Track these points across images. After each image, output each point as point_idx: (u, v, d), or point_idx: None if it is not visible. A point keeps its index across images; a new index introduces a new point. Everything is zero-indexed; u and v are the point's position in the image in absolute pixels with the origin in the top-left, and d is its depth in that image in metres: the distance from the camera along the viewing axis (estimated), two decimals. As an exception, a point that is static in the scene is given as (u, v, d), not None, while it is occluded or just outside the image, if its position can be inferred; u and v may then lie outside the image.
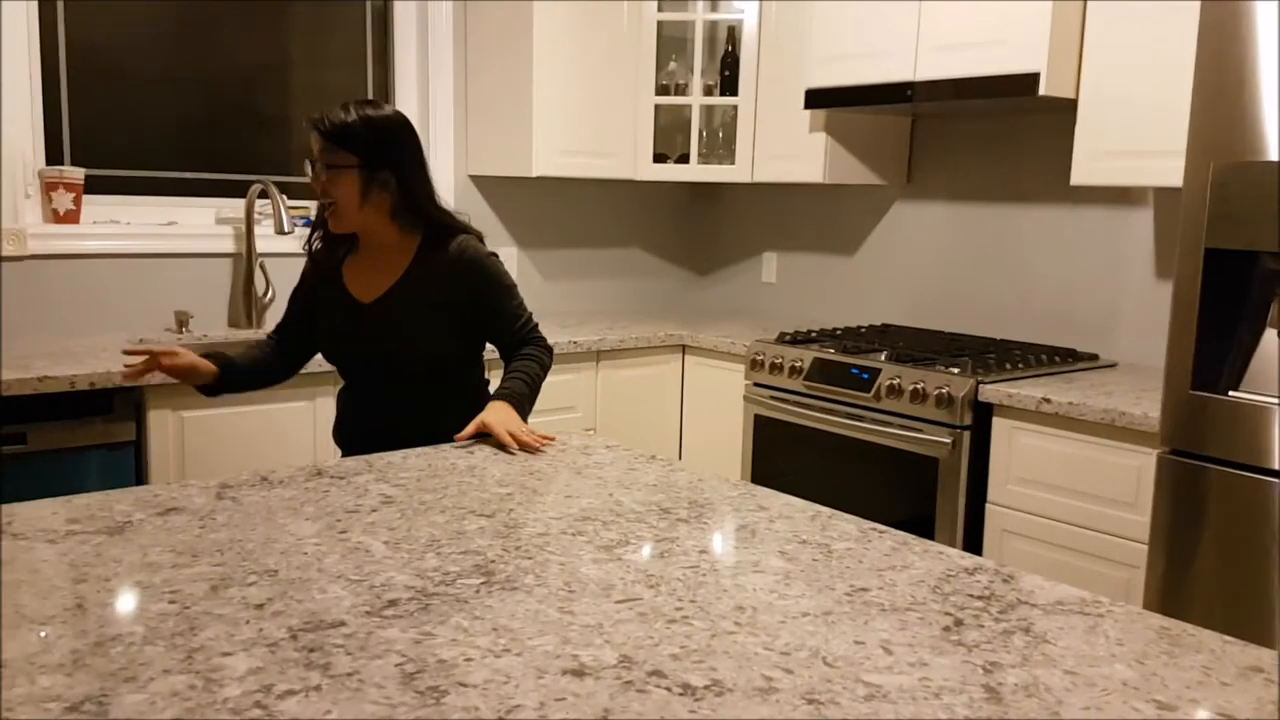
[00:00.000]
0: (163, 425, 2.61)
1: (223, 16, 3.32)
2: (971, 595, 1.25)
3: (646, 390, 3.60)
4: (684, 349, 3.65)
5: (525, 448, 1.91)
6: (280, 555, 1.34)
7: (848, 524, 1.52)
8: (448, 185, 3.77)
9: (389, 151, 2.00)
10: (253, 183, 3.27)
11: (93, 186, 3.03)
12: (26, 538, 1.36)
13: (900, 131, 3.63)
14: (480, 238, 2.15)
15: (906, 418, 2.82)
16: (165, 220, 3.19)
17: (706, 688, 1.00)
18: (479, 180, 3.84)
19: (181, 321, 3.09)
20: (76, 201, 2.94)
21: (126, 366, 2.04)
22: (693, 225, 4.44)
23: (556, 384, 3.37)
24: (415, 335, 2.05)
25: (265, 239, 3.30)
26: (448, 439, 1.96)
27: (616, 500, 1.61)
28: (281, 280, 3.33)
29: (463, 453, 1.88)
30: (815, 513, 1.57)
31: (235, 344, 2.10)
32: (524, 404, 2.06)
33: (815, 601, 1.22)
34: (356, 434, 2.15)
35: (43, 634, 1.07)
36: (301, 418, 2.83)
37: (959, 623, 1.17)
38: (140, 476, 2.60)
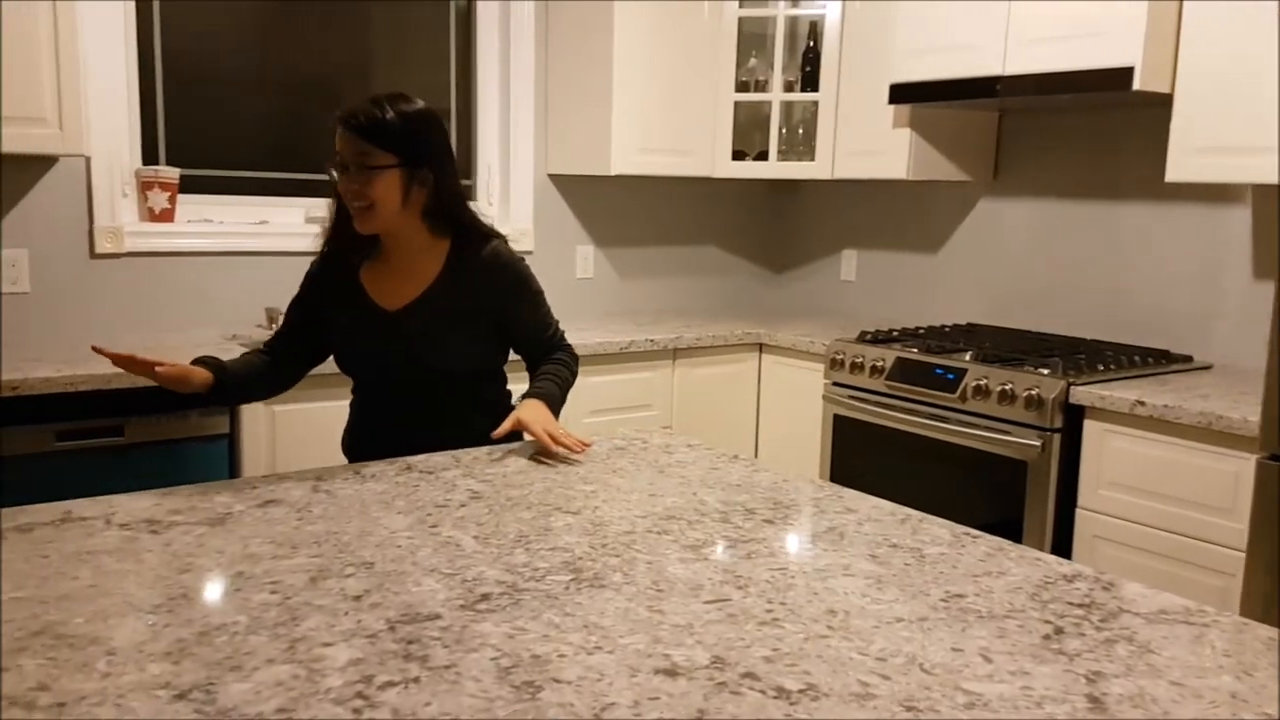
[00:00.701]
0: (255, 418, 2.67)
1: (310, 18, 3.39)
2: (1071, 603, 1.22)
3: (723, 389, 3.59)
4: (761, 347, 3.62)
5: (566, 449, 1.85)
6: (375, 548, 1.36)
7: (939, 528, 1.49)
8: (527, 184, 3.80)
9: (427, 149, 1.88)
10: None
11: (186, 186, 3.12)
12: (130, 528, 1.41)
13: (987, 126, 3.56)
14: (506, 241, 2.04)
15: (994, 419, 2.76)
16: (256, 219, 3.27)
17: (801, 691, 0.99)
18: (558, 179, 3.86)
19: (272, 318, 3.17)
20: (171, 200, 3.02)
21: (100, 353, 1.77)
22: (770, 223, 4.41)
23: (633, 382, 3.38)
24: (446, 344, 1.95)
25: (351, 237, 3.35)
26: (470, 447, 1.91)
27: (700, 500, 1.61)
28: (366, 277, 3.38)
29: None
30: (905, 516, 1.54)
31: (236, 358, 1.99)
32: (556, 406, 1.98)
33: (909, 607, 1.20)
34: (373, 444, 1.98)
35: (150, 622, 1.10)
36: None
37: (1059, 631, 1.14)
38: (233, 469, 2.67)
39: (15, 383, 2.32)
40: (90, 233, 2.93)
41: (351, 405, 2.09)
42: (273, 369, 2.05)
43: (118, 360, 1.74)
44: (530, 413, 1.89)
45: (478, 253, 1.97)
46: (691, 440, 2.01)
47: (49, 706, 0.92)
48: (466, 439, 1.94)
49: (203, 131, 3.19)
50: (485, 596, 1.20)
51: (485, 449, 1.90)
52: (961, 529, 1.49)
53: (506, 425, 1.87)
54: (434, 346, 1.93)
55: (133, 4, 3.00)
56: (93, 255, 2.93)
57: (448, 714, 0.93)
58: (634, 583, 1.26)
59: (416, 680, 1.00)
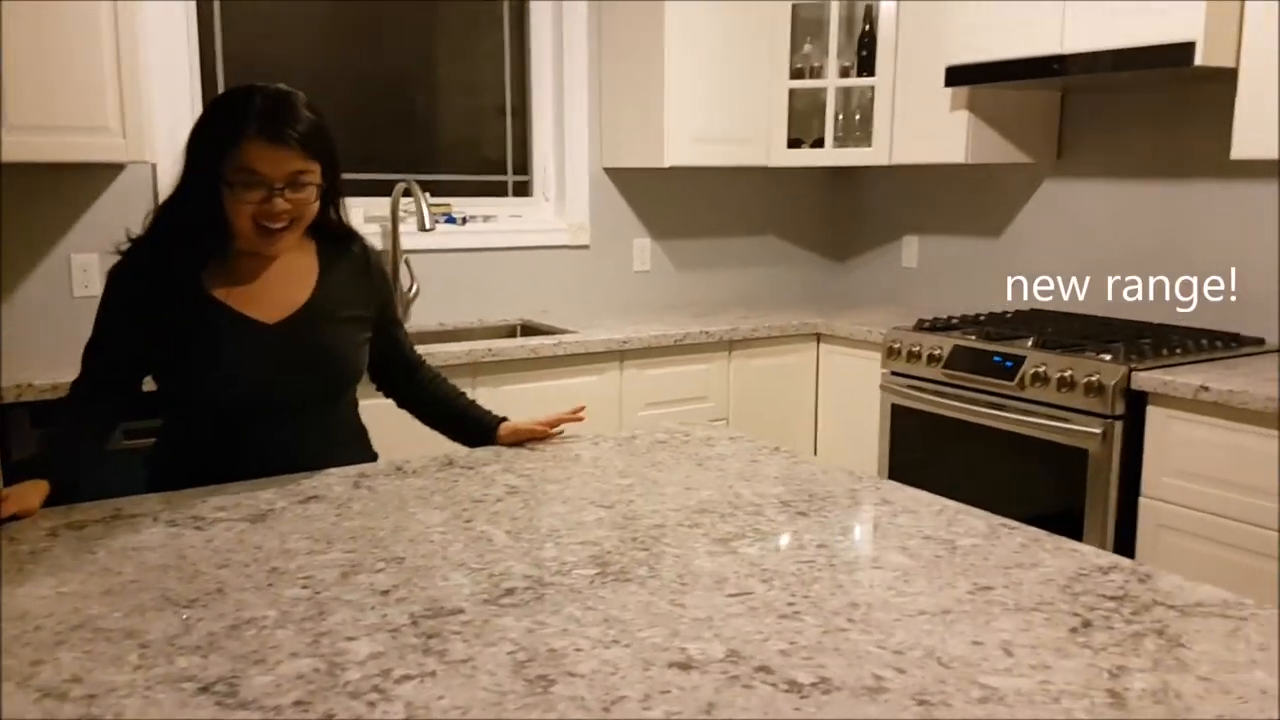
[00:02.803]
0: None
1: (367, 19, 3.45)
2: (1104, 595, 1.19)
3: (780, 380, 3.56)
4: (819, 337, 3.59)
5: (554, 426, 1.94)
6: (408, 543, 1.39)
7: (976, 520, 1.47)
8: (583, 179, 3.82)
9: (335, 149, 1.71)
10: (396, 182, 3.38)
11: (249, 190, 3.20)
12: (177, 525, 1.45)
13: (1049, 106, 3.47)
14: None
15: (1053, 407, 2.70)
16: (316, 220, 3.34)
17: (813, 685, 0.98)
18: (613, 172, 3.87)
19: (331, 316, 3.24)
20: (235, 204, 3.10)
21: None
22: (828, 211, 4.36)
23: (688, 374, 3.38)
24: (344, 354, 1.78)
25: (409, 236, 3.41)
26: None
27: (736, 493, 1.60)
28: (425, 276, 3.44)
29: (587, 444, 1.90)
30: (941, 507, 1.52)
31: (57, 432, 1.71)
32: None
33: (934, 599, 1.18)
34: (225, 477, 1.67)
35: (184, 616, 1.14)
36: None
37: (1087, 624, 1.11)
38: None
39: (84, 384, 2.40)
40: (157, 238, 3.03)
41: (172, 436, 1.78)
42: (106, 412, 1.72)
43: None
44: (519, 422, 1.93)
45: (348, 251, 1.81)
46: (734, 433, 2.00)
47: (80, 698, 0.96)
48: (339, 454, 1.79)
49: (263, 136, 3.27)
50: (510, 591, 1.22)
51: (525, 447, 1.90)
52: (999, 520, 1.46)
53: (519, 435, 1.90)
54: (325, 359, 1.74)
55: (194, 6, 3.09)
56: (160, 259, 3.02)
57: (459, 707, 0.95)
58: (658, 576, 1.26)
59: (433, 674, 1.01)
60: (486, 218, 3.71)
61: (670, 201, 4.00)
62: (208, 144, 1.63)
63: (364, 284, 1.83)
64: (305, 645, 1.07)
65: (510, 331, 3.61)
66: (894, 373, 3.15)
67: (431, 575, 1.27)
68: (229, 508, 1.52)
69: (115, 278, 1.70)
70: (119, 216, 2.96)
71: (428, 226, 3.24)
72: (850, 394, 3.46)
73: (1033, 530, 1.42)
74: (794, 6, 3.65)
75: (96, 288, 2.93)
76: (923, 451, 3.08)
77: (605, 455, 1.84)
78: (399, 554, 1.34)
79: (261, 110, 1.60)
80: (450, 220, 3.57)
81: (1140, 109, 3.24)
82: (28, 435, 2.39)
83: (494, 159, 3.79)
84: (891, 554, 1.33)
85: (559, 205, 3.85)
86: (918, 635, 1.09)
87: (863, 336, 3.36)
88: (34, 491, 1.50)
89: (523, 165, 3.84)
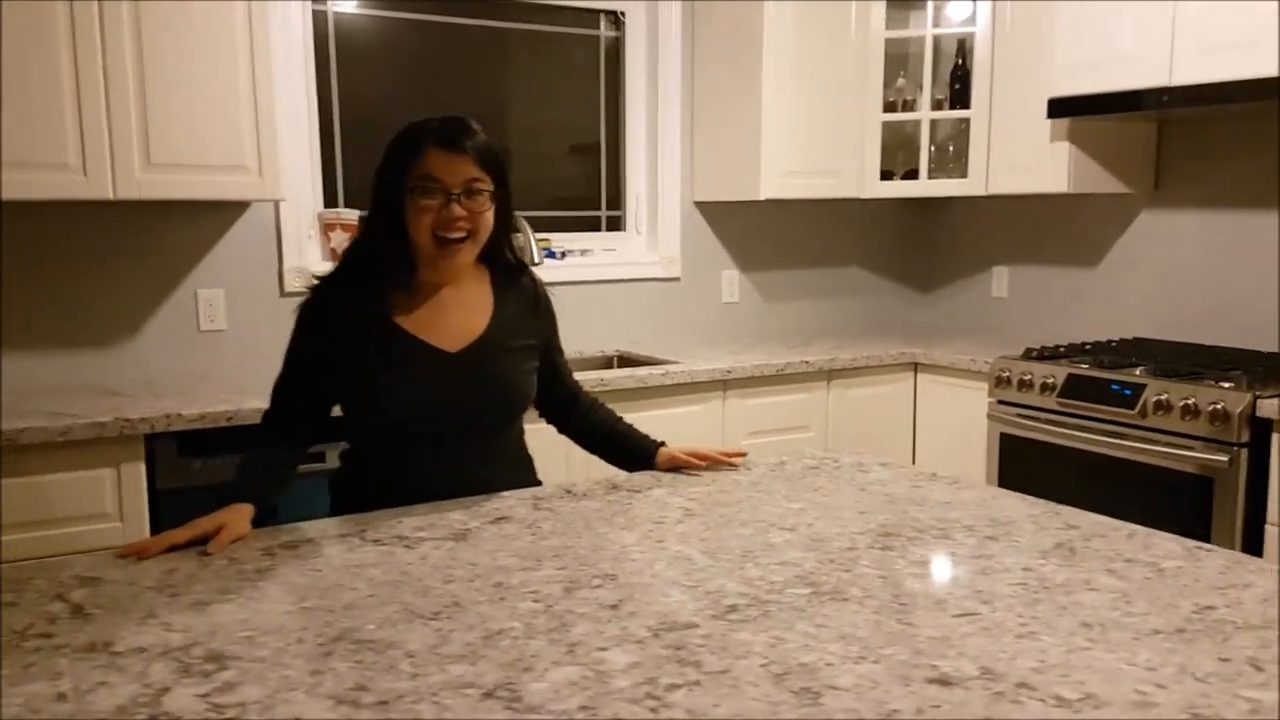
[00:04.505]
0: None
1: (468, 57, 3.54)
2: (1330, 616, 1.20)
3: (878, 409, 3.58)
4: (916, 366, 3.60)
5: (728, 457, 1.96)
6: (612, 561, 1.42)
7: (1169, 543, 1.48)
8: (674, 213, 3.87)
9: (507, 174, 1.77)
10: (501, 215, 3.45)
11: (364, 224, 3.28)
12: (384, 543, 1.50)
13: (1146, 137, 3.48)
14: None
15: (1176, 435, 2.69)
16: (424, 253, 3.41)
17: (1081, 700, 1.00)
18: (703, 206, 3.92)
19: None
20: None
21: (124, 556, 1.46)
22: (913, 241, 4.38)
23: (789, 403, 3.40)
24: (512, 383, 1.83)
25: (513, 268, 3.47)
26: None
27: (913, 516, 1.62)
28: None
29: (743, 471, 1.93)
30: (1131, 531, 1.53)
31: (248, 462, 1.75)
32: None
33: (1163, 619, 1.20)
34: (407, 499, 1.72)
35: (436, 628, 1.18)
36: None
37: (1327, 643, 1.12)
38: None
39: (230, 413, 2.47)
40: (280, 272, 3.11)
41: (354, 459, 1.85)
42: (298, 447, 1.78)
43: (149, 553, 1.45)
44: (677, 449, 1.95)
45: (519, 282, 1.89)
46: (883, 459, 2.02)
47: (373, 705, 1.00)
48: (504, 478, 1.83)
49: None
50: (733, 608, 1.25)
51: (681, 473, 1.93)
52: (1192, 543, 1.47)
53: (675, 461, 1.93)
54: (503, 386, 1.81)
55: (313, 54, 3.19)
56: (282, 294, 3.11)
57: (738, 715, 0.98)
58: (874, 596, 1.29)
59: (697, 683, 1.04)
60: (583, 251, 3.78)
61: (757, 234, 4.05)
62: (392, 166, 1.74)
63: (533, 315, 1.90)
64: (562, 654, 1.11)
65: (607, 363, 3.66)
66: (1002, 401, 3.16)
67: (649, 591, 1.30)
68: (426, 527, 1.57)
69: (305, 313, 1.79)
70: (243, 253, 3.07)
71: (536, 261, 3.30)
72: (951, 423, 3.46)
73: (1229, 552, 1.43)
74: (887, 41, 3.70)
75: (222, 322, 3.05)
76: (1033, 479, 3.07)
77: (763, 480, 1.86)
78: (609, 571, 1.38)
79: (439, 127, 1.72)
80: (551, 255, 3.64)
81: (1238, 138, 3.25)
82: (175, 464, 2.46)
83: (585, 195, 3.86)
84: (1100, 576, 1.35)
85: (650, 239, 3.91)
86: (1162, 654, 1.11)
87: (965, 366, 3.37)
88: (243, 515, 1.55)
89: (616, 200, 3.91)
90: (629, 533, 1.55)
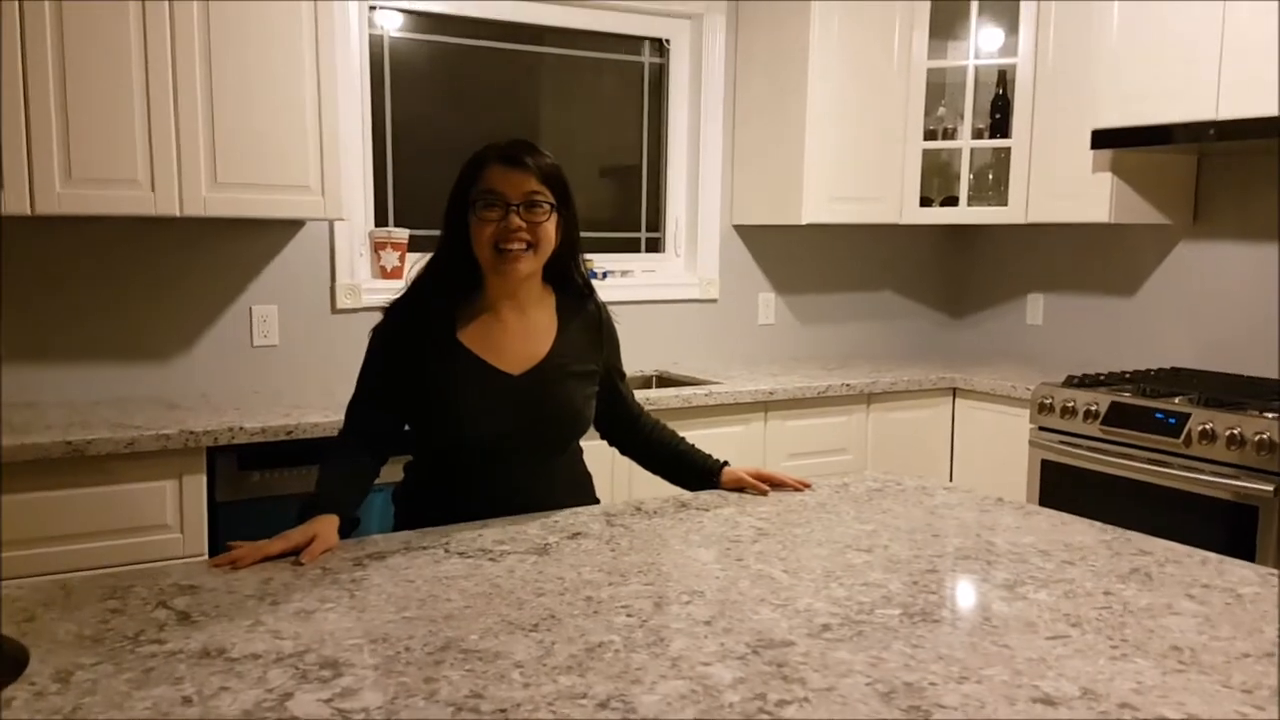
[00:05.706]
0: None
1: (515, 82, 3.60)
2: None
3: (917, 433, 3.60)
4: (955, 392, 3.62)
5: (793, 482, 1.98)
6: (695, 577, 1.44)
7: (1242, 569, 1.50)
8: (714, 235, 3.92)
9: (569, 194, 1.81)
10: (546, 236, 3.49)
11: (415, 245, 3.32)
12: (470, 556, 1.53)
13: (1185, 168, 3.51)
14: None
15: (1220, 464, 2.71)
16: (471, 272, 3.46)
17: (1187, 720, 1.02)
18: (741, 229, 3.96)
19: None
20: (402, 259, 3.23)
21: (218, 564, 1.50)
22: (947, 268, 4.41)
23: (828, 426, 3.42)
24: (572, 407, 1.85)
25: (556, 288, 3.51)
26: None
27: (988, 541, 1.64)
28: (570, 326, 3.53)
29: (809, 492, 1.96)
30: (1203, 558, 1.55)
31: (331, 475, 1.78)
32: None
33: (1251, 643, 1.22)
34: (465, 513, 1.75)
35: (538, 639, 1.21)
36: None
37: None
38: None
39: (289, 427, 2.51)
40: (332, 289, 3.16)
41: (418, 475, 1.88)
42: (373, 464, 1.81)
43: (244, 563, 1.48)
44: (741, 469, 1.98)
45: (584, 306, 1.92)
46: (946, 484, 2.04)
47: (492, 712, 1.03)
48: (563, 499, 1.85)
49: (428, 195, 3.40)
50: (826, 627, 1.27)
51: (744, 492, 1.96)
52: (1265, 570, 1.49)
53: (742, 482, 1.95)
54: (563, 409, 1.83)
55: (369, 76, 3.24)
56: (334, 310, 3.15)
57: (852, 730, 1.00)
58: (965, 618, 1.31)
59: (807, 699, 1.07)
60: (624, 272, 3.81)
61: (794, 257, 4.08)
62: (459, 184, 1.78)
63: (595, 340, 1.93)
64: (667, 668, 1.13)
65: (646, 382, 3.69)
66: (1044, 428, 3.17)
67: (740, 608, 1.33)
68: (507, 541, 1.60)
69: (377, 335, 1.84)
70: (297, 270, 3.12)
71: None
72: (990, 448, 3.48)
73: (1305, 581, 1.45)
74: (928, 70, 3.74)
75: (276, 338, 3.09)
76: (1074, 506, 3.06)
77: (830, 502, 1.89)
78: (695, 588, 1.40)
79: (503, 146, 1.78)
80: (593, 275, 3.66)
81: (1276, 171, 3.27)
82: (235, 476, 2.49)
83: (625, 216, 3.90)
84: (1182, 600, 1.36)
85: (689, 261, 3.94)
86: (1257, 676, 1.12)
87: (1005, 392, 3.39)
88: (332, 527, 1.58)
89: (656, 223, 3.95)
90: (706, 550, 1.58)
